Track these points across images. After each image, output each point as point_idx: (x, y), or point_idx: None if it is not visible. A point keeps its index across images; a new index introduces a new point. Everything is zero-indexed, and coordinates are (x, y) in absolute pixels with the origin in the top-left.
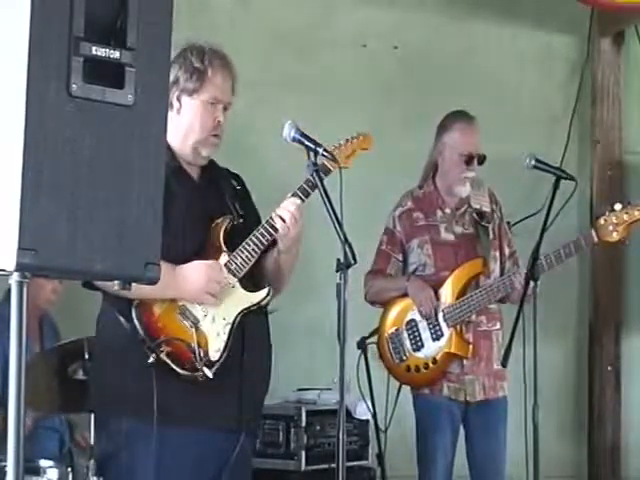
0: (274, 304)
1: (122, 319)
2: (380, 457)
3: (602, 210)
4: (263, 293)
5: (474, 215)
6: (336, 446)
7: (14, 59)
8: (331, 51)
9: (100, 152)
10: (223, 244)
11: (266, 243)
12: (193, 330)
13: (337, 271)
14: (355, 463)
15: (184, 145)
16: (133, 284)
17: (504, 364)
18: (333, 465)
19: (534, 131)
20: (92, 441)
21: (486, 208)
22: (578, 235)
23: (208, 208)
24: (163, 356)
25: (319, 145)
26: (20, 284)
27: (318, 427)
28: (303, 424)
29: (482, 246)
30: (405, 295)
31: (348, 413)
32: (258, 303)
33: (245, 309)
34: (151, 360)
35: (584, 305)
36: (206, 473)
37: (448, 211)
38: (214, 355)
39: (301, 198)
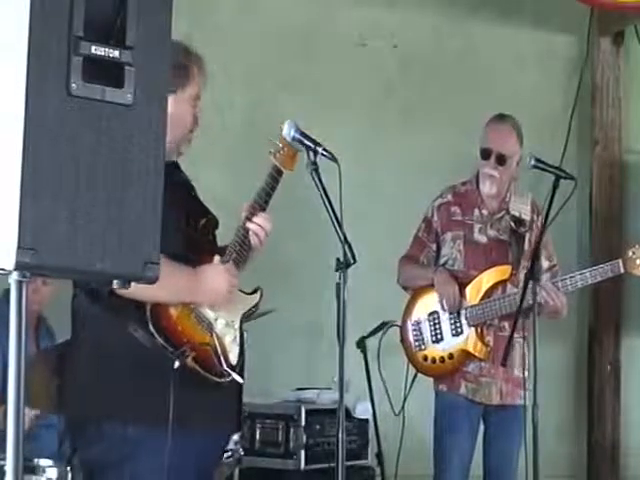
0: (273, 304)
1: (132, 325)
2: (380, 456)
3: (601, 210)
4: (257, 295)
5: (511, 222)
6: (335, 445)
7: (14, 58)
8: (331, 51)
9: (100, 151)
10: (214, 246)
11: (247, 247)
12: (210, 334)
13: (336, 271)
14: (354, 462)
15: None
16: (153, 289)
17: (504, 364)
18: (332, 464)
19: (534, 130)
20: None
21: (525, 216)
22: (607, 264)
23: (190, 208)
24: (190, 362)
25: (319, 144)
26: (19, 283)
27: (317, 426)
28: (302, 423)
29: (513, 254)
30: (433, 285)
31: (348, 412)
32: (256, 305)
33: (246, 312)
34: (177, 365)
35: (584, 305)
36: (205, 475)
37: (485, 213)
38: (233, 359)
39: (265, 209)
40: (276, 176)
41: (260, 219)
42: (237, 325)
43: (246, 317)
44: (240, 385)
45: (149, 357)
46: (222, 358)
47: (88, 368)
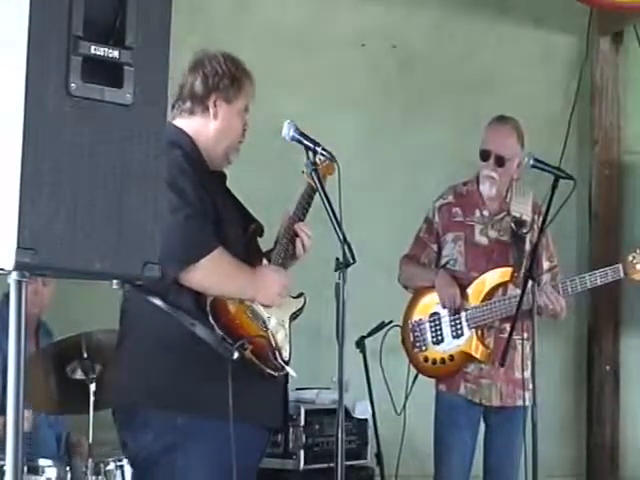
0: None
1: (188, 319)
2: (379, 456)
3: (600, 210)
4: (302, 299)
5: (512, 224)
6: (335, 445)
7: (13, 58)
8: (331, 51)
9: (99, 151)
10: (260, 251)
11: (290, 254)
12: (265, 329)
13: (336, 270)
14: (354, 462)
15: (216, 150)
16: (227, 281)
17: (502, 363)
18: (332, 464)
19: (533, 130)
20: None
21: (526, 217)
22: (607, 268)
23: (239, 214)
24: (248, 354)
25: (318, 144)
26: (19, 283)
27: (317, 426)
28: (302, 423)
29: (514, 256)
30: (434, 287)
31: (347, 412)
32: (301, 308)
33: (293, 314)
34: (236, 356)
35: (583, 305)
36: (251, 471)
37: (486, 214)
38: (285, 355)
39: (303, 220)
40: (311, 193)
41: (307, 228)
42: (287, 325)
43: (293, 318)
44: (286, 384)
45: (205, 351)
46: (277, 352)
47: (143, 361)
